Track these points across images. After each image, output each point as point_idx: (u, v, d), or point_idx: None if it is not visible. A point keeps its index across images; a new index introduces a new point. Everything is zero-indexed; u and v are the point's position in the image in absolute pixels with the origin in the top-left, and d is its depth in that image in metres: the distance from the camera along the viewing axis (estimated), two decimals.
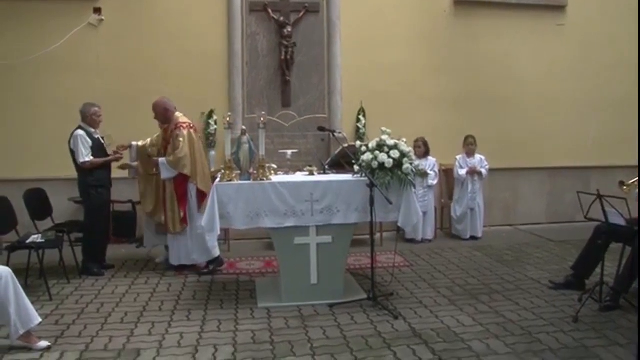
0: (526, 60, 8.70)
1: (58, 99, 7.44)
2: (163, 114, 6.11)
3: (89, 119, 6.08)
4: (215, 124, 7.73)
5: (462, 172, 7.82)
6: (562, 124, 8.82)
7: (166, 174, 5.88)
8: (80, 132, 5.98)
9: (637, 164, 5.18)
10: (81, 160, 5.93)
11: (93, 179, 6.01)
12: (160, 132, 6.29)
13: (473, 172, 7.79)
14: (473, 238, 7.80)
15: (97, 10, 7.63)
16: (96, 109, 6.14)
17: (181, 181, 5.92)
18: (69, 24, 7.52)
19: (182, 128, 5.97)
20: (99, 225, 6.17)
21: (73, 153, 6.01)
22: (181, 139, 5.89)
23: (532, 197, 8.89)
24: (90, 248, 6.12)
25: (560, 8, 8.78)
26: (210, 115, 7.74)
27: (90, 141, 5.99)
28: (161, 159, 5.92)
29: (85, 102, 6.19)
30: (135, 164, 6.35)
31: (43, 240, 5.40)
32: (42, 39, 7.43)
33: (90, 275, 5.93)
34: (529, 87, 8.71)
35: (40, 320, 4.07)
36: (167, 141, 6.07)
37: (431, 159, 7.74)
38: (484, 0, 8.54)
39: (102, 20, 7.63)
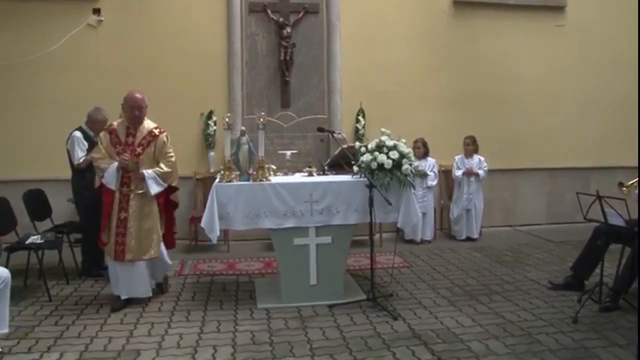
0: (526, 60, 8.69)
1: (58, 99, 7.44)
2: (144, 112, 5.09)
3: (91, 122, 6.03)
4: (215, 124, 7.72)
5: (458, 173, 7.82)
6: (562, 124, 8.82)
7: (157, 188, 4.97)
8: (78, 133, 5.94)
9: (636, 164, 5.19)
10: (76, 162, 5.90)
11: (84, 182, 5.88)
12: (103, 135, 5.07)
13: (469, 173, 7.79)
14: (469, 239, 7.79)
15: (97, 11, 7.62)
16: (104, 118, 6.01)
17: (165, 195, 5.17)
18: (68, 24, 7.51)
19: (164, 133, 5.12)
20: (95, 226, 6.13)
21: (69, 154, 6.00)
22: (170, 147, 5.12)
23: (531, 197, 8.88)
24: (89, 249, 6.10)
25: (560, 9, 8.77)
26: (209, 115, 7.73)
27: (87, 143, 5.92)
28: (149, 172, 4.94)
29: (97, 106, 6.09)
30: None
31: (42, 241, 5.39)
32: (41, 40, 7.42)
33: (89, 276, 5.92)
34: (529, 87, 8.71)
35: (7, 331, 3.97)
36: (129, 146, 4.97)
37: (430, 160, 7.74)
38: (483, 1, 8.54)
39: (101, 21, 7.63)
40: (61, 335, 4.35)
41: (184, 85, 7.56)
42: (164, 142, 5.07)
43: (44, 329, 4.45)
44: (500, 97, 8.63)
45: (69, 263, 5.94)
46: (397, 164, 5.08)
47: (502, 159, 8.44)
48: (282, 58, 7.89)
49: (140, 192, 4.96)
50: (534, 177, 8.89)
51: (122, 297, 4.98)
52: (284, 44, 7.86)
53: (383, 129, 5.32)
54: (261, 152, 5.12)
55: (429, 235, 7.71)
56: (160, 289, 5.42)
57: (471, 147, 7.85)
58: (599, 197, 4.59)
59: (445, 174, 8.31)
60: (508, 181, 8.74)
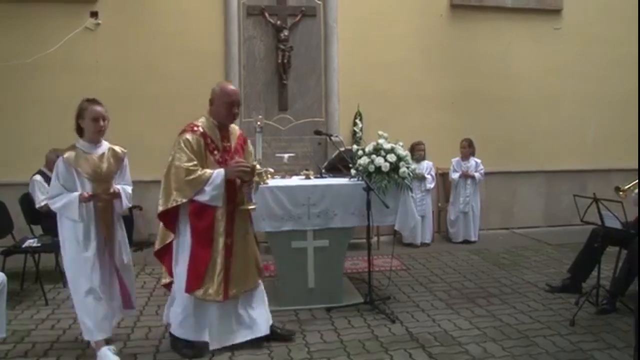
0: (523, 63, 8.71)
1: (56, 102, 7.40)
2: None
3: (50, 164, 5.95)
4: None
5: (455, 175, 7.84)
6: (560, 127, 8.84)
7: (254, 201, 4.13)
8: (37, 177, 5.96)
9: (633, 167, 5.21)
10: (37, 205, 5.85)
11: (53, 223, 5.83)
12: (193, 138, 3.92)
13: (466, 175, 7.80)
14: (467, 242, 7.80)
15: (94, 14, 7.62)
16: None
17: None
18: (66, 27, 7.50)
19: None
20: None
21: (31, 198, 5.94)
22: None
23: (529, 200, 8.89)
24: None
25: (556, 12, 8.81)
26: None
27: (47, 186, 5.72)
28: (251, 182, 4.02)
29: (53, 148, 6.06)
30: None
31: (39, 245, 5.39)
32: (39, 42, 7.41)
33: None
34: (527, 90, 8.73)
35: (4, 335, 3.93)
36: (227, 152, 4.05)
37: (427, 163, 7.74)
38: (481, 4, 8.57)
39: (98, 24, 7.63)
40: (57, 339, 4.34)
41: (181, 88, 7.57)
42: (250, 146, 4.34)
43: (40, 333, 4.44)
44: (498, 99, 8.65)
45: None
46: (395, 167, 5.08)
47: (500, 161, 8.47)
48: (279, 61, 7.89)
49: (252, 207, 4.01)
50: (531, 180, 8.91)
51: (213, 347, 4.01)
52: (282, 47, 7.86)
53: (380, 132, 5.33)
54: (259, 155, 5.11)
55: (427, 238, 7.72)
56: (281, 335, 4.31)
57: (468, 149, 7.88)
58: (596, 200, 4.61)
59: (443, 176, 8.32)
60: (506, 183, 8.75)
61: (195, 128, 3.98)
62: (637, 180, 5.16)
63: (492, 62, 8.61)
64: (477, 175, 7.81)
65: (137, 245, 7.25)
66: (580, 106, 8.91)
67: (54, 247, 5.57)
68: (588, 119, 8.92)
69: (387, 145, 5.16)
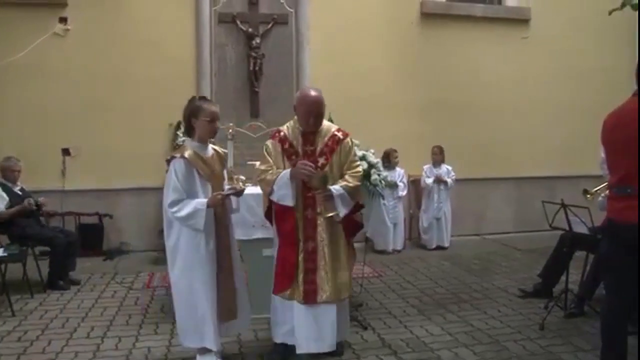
0: (493, 70, 8.82)
1: (23, 108, 7.29)
2: (323, 117, 4.09)
3: (5, 171, 5.93)
4: (184, 135, 7.65)
5: (429, 181, 7.91)
6: (529, 134, 8.95)
7: (344, 210, 3.90)
8: None
9: (599, 173, 5.32)
10: None
11: (18, 229, 5.79)
12: (271, 143, 4.04)
13: (439, 180, 7.88)
14: (440, 248, 7.87)
15: (63, 20, 7.51)
16: (15, 164, 5.96)
17: (351, 218, 4.07)
18: (34, 32, 7.37)
19: (349, 136, 4.12)
20: (57, 241, 5.96)
21: None
22: (355, 154, 4.24)
23: (500, 206, 9.00)
24: (57, 262, 5.93)
25: (524, 21, 9.00)
26: (178, 126, 7.66)
27: (6, 195, 5.73)
28: (337, 188, 3.85)
29: (8, 155, 6.06)
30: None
31: (6, 254, 5.27)
32: (6, 48, 7.26)
33: (55, 289, 5.77)
34: (497, 97, 8.84)
35: None
36: (309, 156, 3.94)
37: (399, 170, 7.80)
38: (451, 12, 8.69)
39: (67, 29, 7.52)
40: (24, 351, 4.24)
41: (152, 95, 7.50)
42: (350, 147, 4.07)
43: (6, 346, 4.33)
44: (468, 107, 8.75)
45: (34, 276, 5.79)
46: (366, 174, 5.10)
47: (471, 168, 8.54)
48: (251, 68, 7.88)
49: (331, 215, 3.83)
50: (501, 186, 9.02)
51: (300, 352, 3.91)
52: (253, 54, 7.86)
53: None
54: (230, 163, 5.09)
55: (399, 245, 7.76)
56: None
57: (439, 156, 7.96)
58: (564, 206, 4.69)
59: (414, 183, 8.39)
60: (477, 190, 8.83)
61: (277, 133, 4.01)
62: (604, 184, 5.25)
63: (462, 69, 8.72)
64: (449, 181, 7.89)
65: (108, 253, 7.16)
66: (549, 114, 9.06)
67: (21, 257, 5.49)
68: (556, 126, 9.06)
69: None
